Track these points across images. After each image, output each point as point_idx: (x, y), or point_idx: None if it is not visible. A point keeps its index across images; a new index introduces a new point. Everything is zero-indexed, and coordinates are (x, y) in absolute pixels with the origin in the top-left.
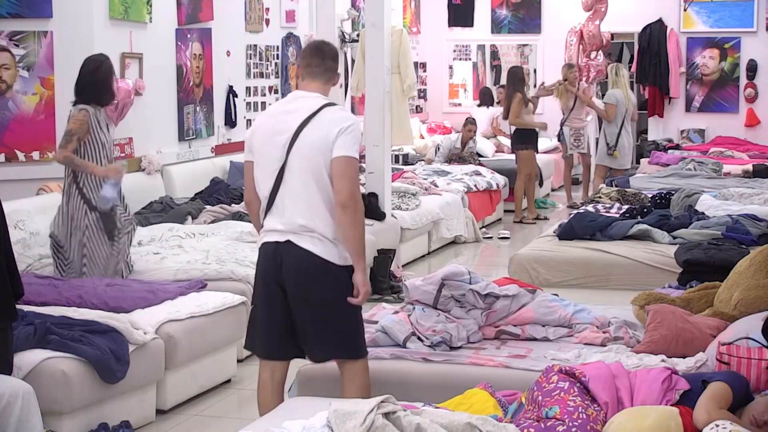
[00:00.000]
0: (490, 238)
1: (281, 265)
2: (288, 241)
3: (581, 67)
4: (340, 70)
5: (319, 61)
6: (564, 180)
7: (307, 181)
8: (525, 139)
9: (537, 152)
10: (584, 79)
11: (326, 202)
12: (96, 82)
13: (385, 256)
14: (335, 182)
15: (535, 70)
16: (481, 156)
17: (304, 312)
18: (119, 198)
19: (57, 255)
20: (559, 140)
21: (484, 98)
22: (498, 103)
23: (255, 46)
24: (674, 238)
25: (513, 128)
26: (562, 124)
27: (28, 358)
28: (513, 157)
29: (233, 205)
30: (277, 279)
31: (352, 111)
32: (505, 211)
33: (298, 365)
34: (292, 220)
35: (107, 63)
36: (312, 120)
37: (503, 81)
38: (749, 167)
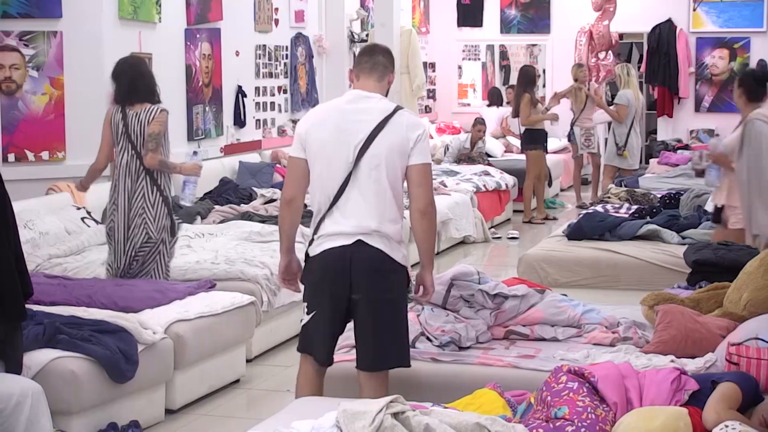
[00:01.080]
0: (499, 238)
1: (350, 266)
2: (359, 242)
3: (590, 67)
4: (347, 69)
5: (368, 58)
6: (573, 180)
7: (382, 185)
8: (534, 139)
9: (546, 152)
10: (594, 79)
11: (397, 205)
12: (149, 80)
13: None
14: (414, 190)
15: (544, 71)
16: (490, 156)
17: (373, 313)
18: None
19: (161, 257)
20: (569, 140)
21: (494, 98)
22: (508, 103)
23: (264, 46)
24: (683, 238)
25: (523, 128)
26: (572, 125)
27: (37, 358)
28: (522, 157)
29: (242, 205)
30: (345, 283)
31: None
32: (514, 211)
33: None
34: (362, 222)
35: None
36: (388, 123)
37: (513, 81)
38: None
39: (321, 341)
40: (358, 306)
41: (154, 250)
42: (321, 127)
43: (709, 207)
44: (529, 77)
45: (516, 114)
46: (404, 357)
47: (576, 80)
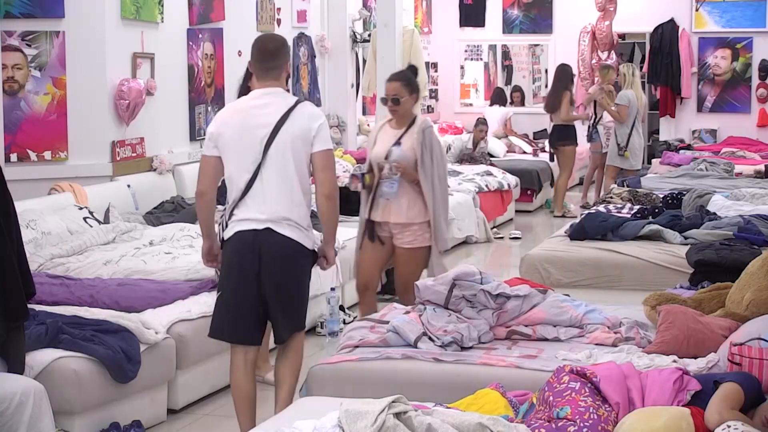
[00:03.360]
0: (501, 238)
1: (260, 251)
2: (267, 229)
3: (593, 66)
4: (352, 70)
5: (260, 65)
6: (586, 178)
7: (289, 173)
8: (566, 135)
9: (577, 146)
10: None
11: (303, 192)
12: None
13: None
14: (319, 175)
15: (546, 71)
16: (492, 156)
17: (279, 294)
18: None
19: None
20: (591, 140)
21: (497, 98)
22: (511, 103)
23: None
24: (686, 238)
25: (552, 125)
26: (595, 124)
27: (39, 358)
28: (524, 157)
29: None
30: (254, 265)
31: (364, 111)
32: (517, 211)
33: (309, 364)
34: (272, 209)
35: None
36: (291, 115)
37: (515, 81)
38: (761, 167)
39: (227, 321)
40: (267, 288)
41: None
42: (229, 125)
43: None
44: (567, 75)
45: (551, 110)
46: (302, 322)
47: (606, 82)
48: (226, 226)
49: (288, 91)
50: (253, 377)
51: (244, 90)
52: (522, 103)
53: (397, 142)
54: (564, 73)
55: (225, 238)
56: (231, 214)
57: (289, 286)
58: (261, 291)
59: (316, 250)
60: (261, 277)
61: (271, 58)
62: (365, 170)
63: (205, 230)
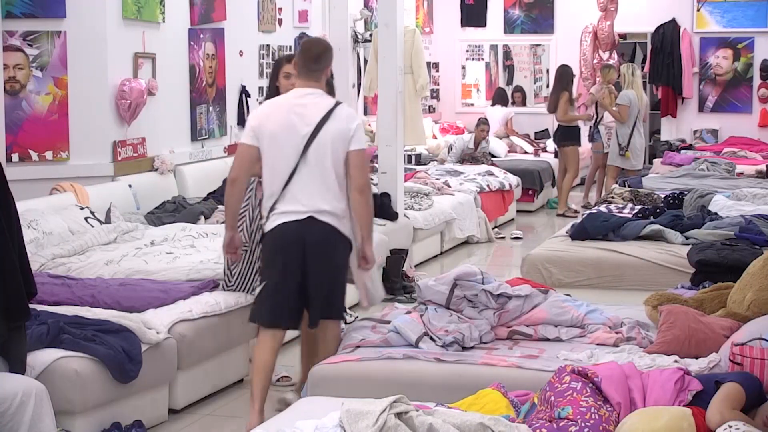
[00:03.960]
0: (503, 238)
1: (304, 239)
2: (310, 218)
3: (595, 66)
4: (353, 70)
5: (304, 68)
6: (588, 178)
7: (327, 170)
8: (570, 135)
9: (580, 146)
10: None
11: (340, 187)
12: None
13: (398, 256)
14: (353, 171)
15: (548, 71)
16: (493, 156)
17: (320, 279)
18: None
19: None
20: (592, 140)
21: (499, 98)
22: (513, 103)
23: (268, 46)
24: (687, 238)
25: (556, 125)
26: (596, 124)
27: (41, 358)
28: (525, 157)
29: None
30: (298, 254)
31: (365, 111)
32: (518, 211)
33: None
34: (312, 202)
35: None
36: (331, 116)
37: (516, 81)
38: (762, 167)
39: (278, 307)
40: (309, 273)
41: None
42: (271, 120)
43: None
44: (567, 76)
45: (552, 110)
46: (340, 311)
47: (608, 82)
48: (267, 219)
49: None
50: (276, 354)
51: (273, 88)
52: (523, 104)
53: None
54: (563, 74)
55: (265, 231)
56: (272, 208)
57: (329, 271)
58: (303, 279)
59: (351, 237)
60: (305, 264)
61: (315, 61)
62: None
63: (230, 219)
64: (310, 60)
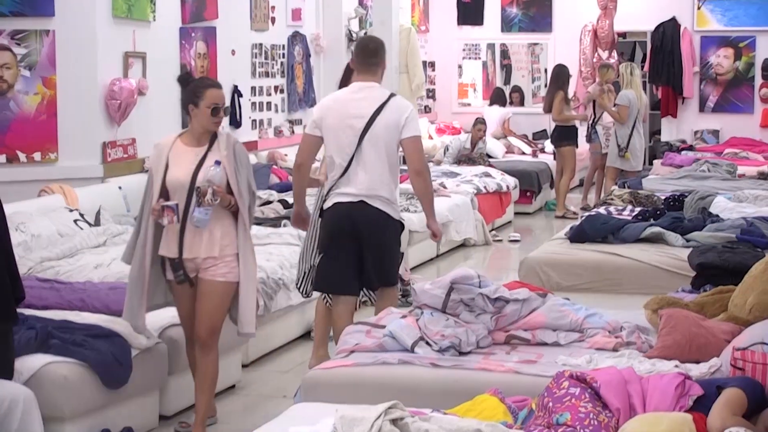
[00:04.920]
0: (500, 240)
1: (356, 220)
2: (361, 201)
3: (595, 65)
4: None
5: (361, 60)
6: (586, 179)
7: (380, 158)
8: (566, 135)
9: (577, 147)
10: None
11: (391, 174)
12: None
13: None
14: (409, 156)
15: (546, 70)
16: (491, 157)
17: (373, 253)
18: None
19: None
20: (590, 141)
21: (497, 98)
22: (511, 103)
23: (260, 45)
24: (688, 241)
25: (554, 125)
26: (594, 124)
27: (29, 363)
28: (523, 158)
29: None
30: (352, 230)
31: None
32: (516, 213)
33: (303, 370)
34: (365, 186)
35: None
36: (384, 108)
37: (514, 81)
38: (764, 169)
39: (341, 275)
40: (363, 250)
41: None
42: (331, 112)
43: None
44: (563, 76)
45: (548, 110)
46: (394, 279)
47: (606, 81)
48: (326, 198)
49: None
50: (351, 317)
51: (343, 84)
52: (521, 104)
53: (217, 162)
54: (559, 74)
55: (324, 208)
56: (330, 190)
57: (380, 249)
58: (358, 254)
59: (401, 220)
60: (359, 242)
61: (371, 56)
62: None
63: (298, 197)
64: (367, 55)
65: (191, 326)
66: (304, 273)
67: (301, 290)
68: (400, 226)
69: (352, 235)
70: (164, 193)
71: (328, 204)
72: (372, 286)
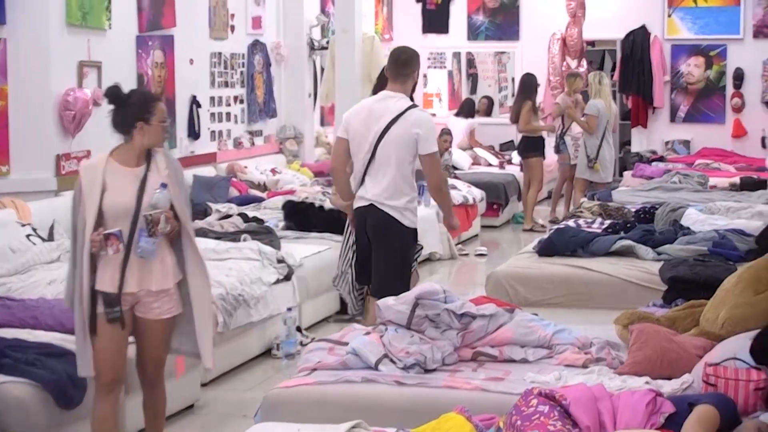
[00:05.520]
0: (467, 254)
1: (367, 223)
2: (371, 205)
3: (563, 75)
4: (309, 79)
5: (394, 69)
6: (555, 191)
7: (391, 167)
8: (534, 146)
9: (545, 159)
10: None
11: (403, 182)
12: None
13: None
14: (427, 172)
15: (513, 79)
16: (456, 169)
17: (378, 257)
18: None
19: None
20: (558, 152)
21: (467, 109)
22: (477, 112)
23: (219, 54)
24: (659, 254)
25: (520, 136)
26: (563, 135)
27: None
28: (489, 170)
29: (196, 221)
30: (364, 233)
31: (322, 122)
32: (482, 226)
33: (264, 388)
34: (376, 192)
35: None
36: (399, 120)
37: (480, 90)
38: (736, 180)
39: (358, 268)
40: (372, 248)
41: None
42: (356, 117)
43: None
44: (530, 85)
45: (515, 120)
46: (392, 291)
47: (575, 91)
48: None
49: (412, 94)
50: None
51: (376, 91)
52: (488, 112)
53: (163, 184)
54: (527, 83)
55: (354, 208)
56: (356, 193)
57: (385, 253)
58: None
59: (413, 228)
60: (370, 241)
61: (402, 66)
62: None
63: (342, 195)
64: (398, 66)
65: (110, 369)
66: (341, 272)
67: (336, 285)
68: (410, 233)
69: (364, 237)
70: (98, 221)
71: (354, 206)
72: (374, 292)
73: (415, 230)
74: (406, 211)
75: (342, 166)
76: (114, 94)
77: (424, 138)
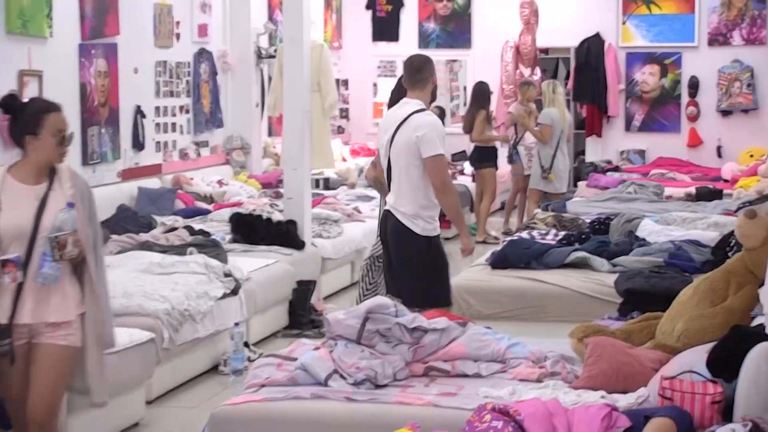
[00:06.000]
0: None
1: (385, 229)
2: (387, 211)
3: (515, 83)
4: (257, 88)
5: (408, 76)
6: (508, 202)
7: (402, 172)
8: (486, 156)
9: (497, 169)
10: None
11: (411, 187)
12: None
13: (305, 287)
14: (430, 175)
15: (465, 88)
16: None
17: (393, 263)
18: None
19: None
20: (511, 162)
21: None
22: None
23: (165, 62)
24: (614, 266)
25: (473, 146)
26: (516, 145)
27: None
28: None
29: (141, 234)
30: (385, 239)
31: (269, 132)
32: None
33: (211, 405)
34: (391, 199)
35: None
36: (403, 125)
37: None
38: (692, 190)
39: (386, 275)
40: (390, 254)
41: None
42: (382, 124)
43: None
44: (484, 94)
45: (468, 130)
46: (414, 300)
47: (528, 100)
48: None
49: (432, 101)
50: None
51: (392, 98)
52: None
53: (69, 204)
54: (480, 91)
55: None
56: None
57: (398, 260)
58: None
59: (428, 236)
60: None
61: (417, 72)
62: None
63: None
64: (412, 72)
65: (19, 411)
66: (374, 284)
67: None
68: (424, 241)
69: (386, 243)
70: None
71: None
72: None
73: (431, 238)
74: (417, 219)
75: (381, 175)
76: (7, 103)
77: (424, 140)
